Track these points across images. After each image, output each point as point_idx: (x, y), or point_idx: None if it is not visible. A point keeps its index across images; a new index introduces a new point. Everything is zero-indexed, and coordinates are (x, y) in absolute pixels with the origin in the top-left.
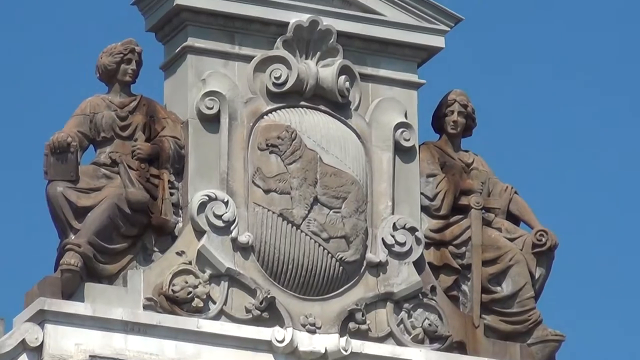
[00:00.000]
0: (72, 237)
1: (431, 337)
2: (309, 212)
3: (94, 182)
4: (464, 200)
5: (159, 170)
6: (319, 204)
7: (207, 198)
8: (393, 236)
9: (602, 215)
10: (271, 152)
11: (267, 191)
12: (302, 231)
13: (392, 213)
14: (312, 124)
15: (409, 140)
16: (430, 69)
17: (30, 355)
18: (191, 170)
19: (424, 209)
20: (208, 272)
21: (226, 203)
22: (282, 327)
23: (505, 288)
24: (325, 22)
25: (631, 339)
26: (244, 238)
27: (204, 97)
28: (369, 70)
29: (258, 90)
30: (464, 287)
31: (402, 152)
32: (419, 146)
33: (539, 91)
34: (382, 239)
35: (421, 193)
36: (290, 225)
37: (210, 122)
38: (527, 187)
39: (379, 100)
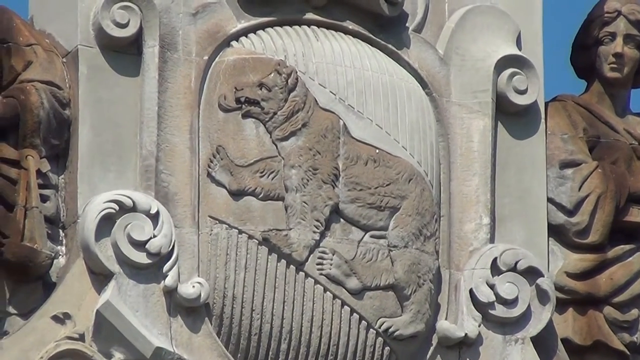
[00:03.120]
0: None
1: None
2: (322, 236)
3: None
4: (636, 215)
5: (17, 151)
6: (341, 220)
7: (116, 207)
8: (492, 287)
9: None
10: (246, 116)
11: (237, 194)
12: (307, 275)
13: (492, 240)
14: (330, 61)
15: (525, 92)
16: None
17: None
18: (83, 152)
19: (556, 230)
20: (118, 356)
21: (154, 218)
22: None
23: None
24: None
25: None
26: (190, 289)
27: (111, 4)
28: None
29: None
30: None
31: (513, 118)
32: (547, 105)
33: None
34: (472, 291)
35: (549, 199)
36: (284, 262)
37: (123, 53)
38: None
39: (465, 12)
